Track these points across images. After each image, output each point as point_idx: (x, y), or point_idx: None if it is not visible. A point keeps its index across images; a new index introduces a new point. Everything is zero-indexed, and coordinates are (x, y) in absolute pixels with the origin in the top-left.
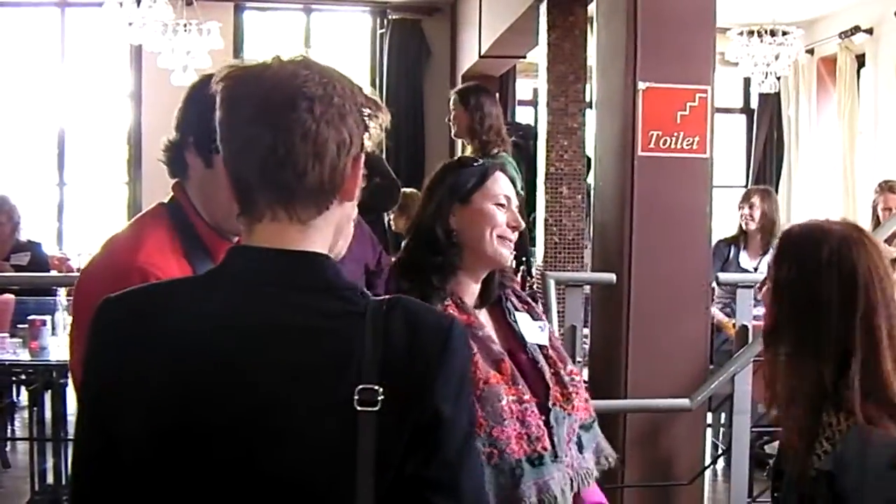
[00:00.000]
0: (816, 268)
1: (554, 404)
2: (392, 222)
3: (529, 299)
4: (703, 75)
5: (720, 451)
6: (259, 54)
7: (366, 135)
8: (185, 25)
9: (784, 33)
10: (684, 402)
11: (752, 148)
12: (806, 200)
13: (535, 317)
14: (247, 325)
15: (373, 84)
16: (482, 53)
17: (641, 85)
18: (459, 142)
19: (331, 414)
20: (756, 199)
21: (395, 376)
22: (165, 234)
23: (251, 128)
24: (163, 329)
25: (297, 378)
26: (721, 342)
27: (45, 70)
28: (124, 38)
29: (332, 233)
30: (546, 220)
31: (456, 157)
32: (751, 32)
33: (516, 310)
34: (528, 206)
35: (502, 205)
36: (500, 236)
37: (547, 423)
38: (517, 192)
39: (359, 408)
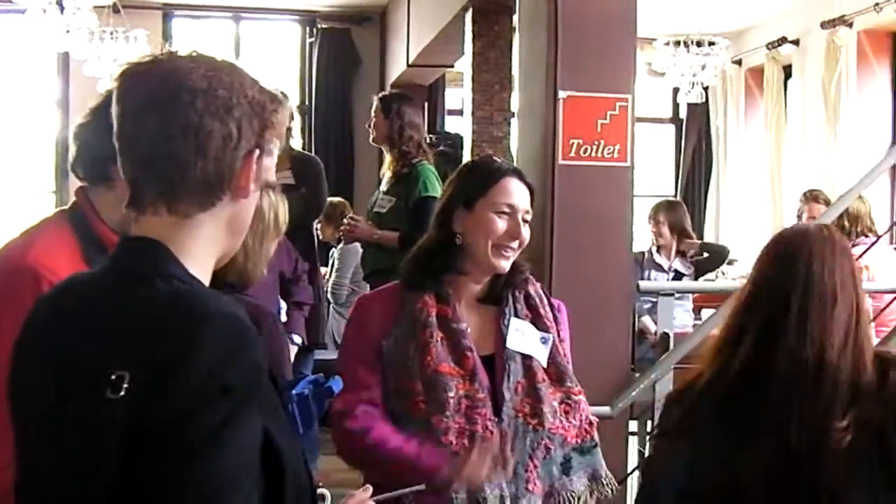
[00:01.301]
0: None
1: (517, 416)
2: (319, 231)
3: (544, 309)
4: (623, 84)
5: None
6: None
7: (268, 132)
8: (111, 33)
9: (710, 44)
10: (605, 409)
11: (680, 158)
12: (734, 210)
13: (539, 327)
14: (73, 311)
15: (302, 93)
16: (410, 62)
17: (562, 94)
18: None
19: (84, 398)
20: (661, 216)
21: (142, 367)
22: (63, 238)
23: (136, 122)
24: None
25: (73, 362)
26: (647, 349)
27: None
28: (51, 45)
29: (221, 229)
30: None
31: (481, 156)
32: (677, 42)
33: (516, 315)
34: None
35: (504, 213)
36: (496, 246)
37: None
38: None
39: (107, 394)
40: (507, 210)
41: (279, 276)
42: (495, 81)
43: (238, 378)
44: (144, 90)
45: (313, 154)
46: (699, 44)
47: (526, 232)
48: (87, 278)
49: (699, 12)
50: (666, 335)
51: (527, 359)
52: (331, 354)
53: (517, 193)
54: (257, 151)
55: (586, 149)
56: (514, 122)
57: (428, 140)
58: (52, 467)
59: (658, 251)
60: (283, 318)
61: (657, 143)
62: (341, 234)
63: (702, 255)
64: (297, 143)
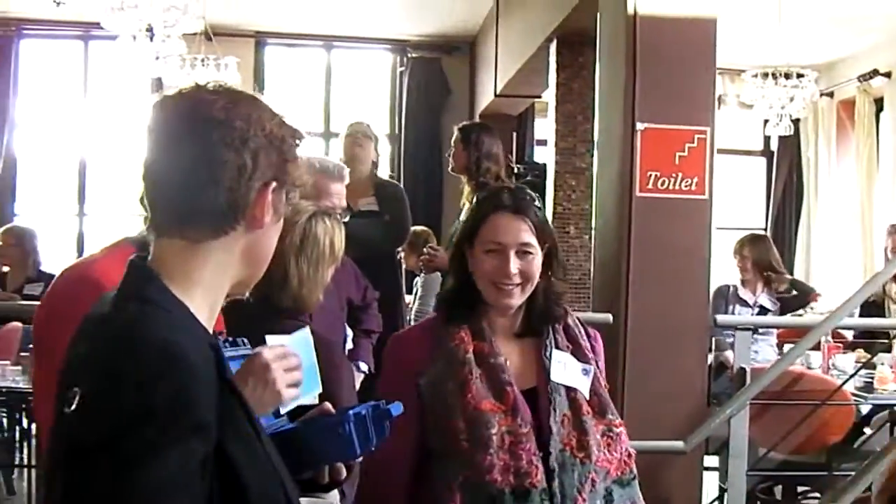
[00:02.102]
0: None
1: (564, 449)
2: (403, 259)
3: (584, 339)
4: (702, 116)
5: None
6: (280, 89)
7: (289, 165)
8: (202, 60)
9: (799, 76)
10: (678, 444)
11: (771, 190)
12: (825, 243)
13: (580, 358)
14: (81, 327)
15: (392, 121)
16: (497, 92)
17: (640, 126)
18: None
19: (59, 409)
20: (745, 250)
21: (86, 384)
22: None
23: (156, 150)
24: None
25: (64, 374)
26: (728, 384)
27: (68, 101)
28: (145, 70)
29: (235, 258)
30: None
31: (489, 190)
32: (765, 74)
33: (557, 347)
34: None
35: (493, 251)
36: (492, 284)
37: (546, 462)
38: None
39: (65, 408)
40: (494, 248)
41: (347, 303)
42: (578, 112)
43: (162, 404)
44: (166, 121)
45: (399, 182)
46: (787, 76)
47: (517, 266)
48: (106, 297)
49: (790, 45)
50: (743, 370)
51: (570, 391)
52: None
53: (505, 229)
54: (274, 184)
55: (664, 181)
56: (595, 153)
57: (515, 170)
58: (42, 476)
59: (743, 285)
60: (350, 345)
61: (748, 175)
62: (421, 263)
63: (790, 291)
64: (384, 170)
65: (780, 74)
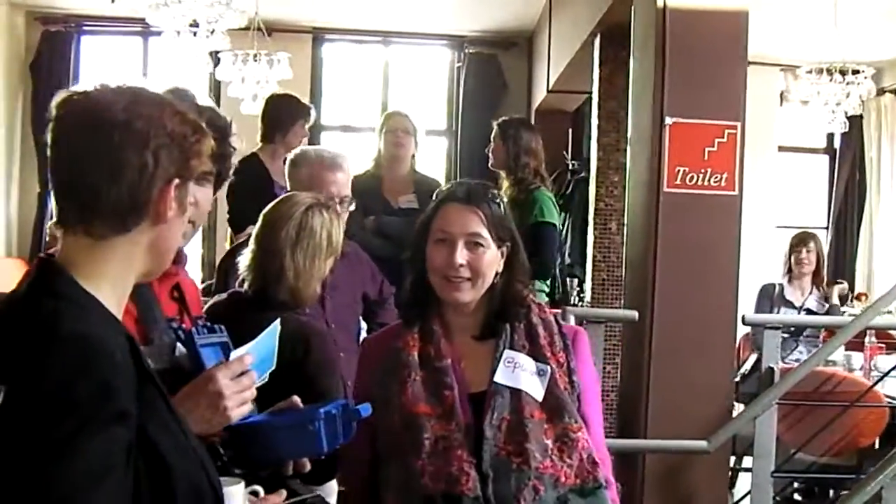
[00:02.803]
0: None
1: (499, 454)
2: None
3: (549, 338)
4: (732, 111)
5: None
6: (337, 85)
7: (193, 161)
8: (254, 56)
9: (854, 72)
10: (702, 444)
11: (833, 189)
12: (887, 242)
13: (537, 358)
14: None
15: (449, 117)
16: (550, 88)
17: (668, 120)
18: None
19: None
20: (812, 244)
21: (10, 380)
22: None
23: (59, 149)
24: None
25: None
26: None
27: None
28: (198, 66)
29: (140, 251)
30: (594, 256)
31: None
32: (820, 71)
33: (511, 347)
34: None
35: (441, 240)
36: (442, 277)
37: (480, 470)
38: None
39: None
40: (442, 237)
41: (363, 297)
42: (621, 108)
43: (83, 395)
44: (70, 120)
45: (456, 178)
46: (843, 72)
47: (465, 257)
48: (10, 295)
49: (848, 41)
50: (770, 370)
51: (517, 393)
52: None
53: (453, 219)
54: (177, 180)
55: (692, 176)
56: (628, 148)
57: (571, 166)
58: None
59: (790, 282)
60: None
61: (810, 173)
62: None
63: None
64: (441, 166)
65: (836, 71)
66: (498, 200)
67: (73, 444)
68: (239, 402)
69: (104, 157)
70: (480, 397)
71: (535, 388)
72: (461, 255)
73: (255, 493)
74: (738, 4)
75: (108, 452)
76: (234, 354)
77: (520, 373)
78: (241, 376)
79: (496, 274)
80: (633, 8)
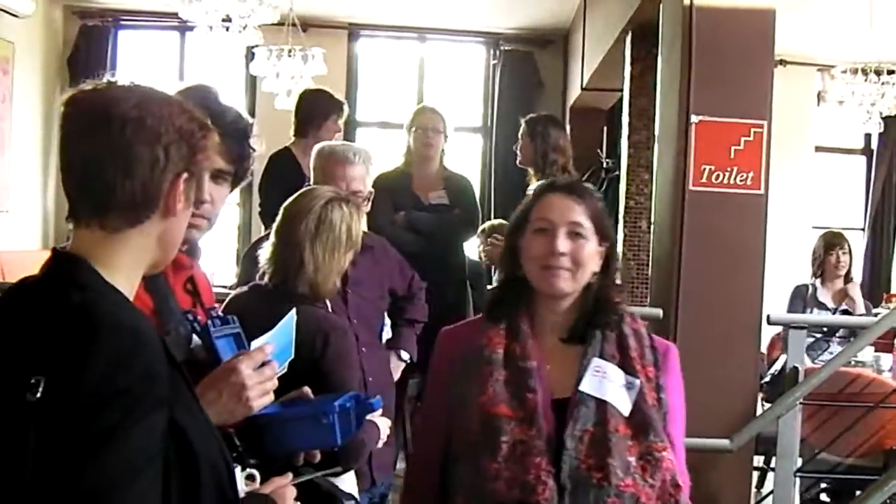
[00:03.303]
0: None
1: (579, 467)
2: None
3: (640, 351)
4: (759, 110)
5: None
6: (373, 81)
7: (199, 156)
8: (289, 51)
9: (890, 72)
10: (724, 442)
11: (870, 189)
12: None
13: (628, 370)
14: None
15: (484, 114)
16: (584, 86)
17: (694, 118)
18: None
19: (5, 400)
20: (846, 245)
21: (51, 372)
22: None
23: (72, 145)
24: None
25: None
26: None
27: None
28: (234, 61)
29: (151, 243)
30: (625, 254)
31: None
32: (855, 71)
33: (601, 356)
34: None
35: (542, 230)
36: (542, 267)
37: (559, 482)
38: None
39: (27, 397)
40: (544, 226)
41: (391, 293)
42: (651, 106)
43: (131, 383)
44: (81, 117)
45: (490, 175)
46: (878, 72)
47: (567, 246)
48: (19, 287)
49: (885, 41)
50: (795, 370)
51: (602, 405)
52: None
53: (556, 207)
54: (185, 175)
55: (718, 175)
56: (656, 146)
57: (605, 164)
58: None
59: (822, 284)
60: (388, 334)
61: (847, 174)
62: (483, 253)
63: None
64: (476, 164)
65: (871, 71)
66: (598, 196)
67: (117, 434)
68: (261, 393)
69: (118, 153)
70: (563, 404)
71: (622, 402)
72: (563, 244)
73: (251, 478)
74: (765, 3)
75: (149, 442)
76: (255, 344)
77: (607, 384)
78: (262, 367)
79: (593, 273)
80: (661, 6)
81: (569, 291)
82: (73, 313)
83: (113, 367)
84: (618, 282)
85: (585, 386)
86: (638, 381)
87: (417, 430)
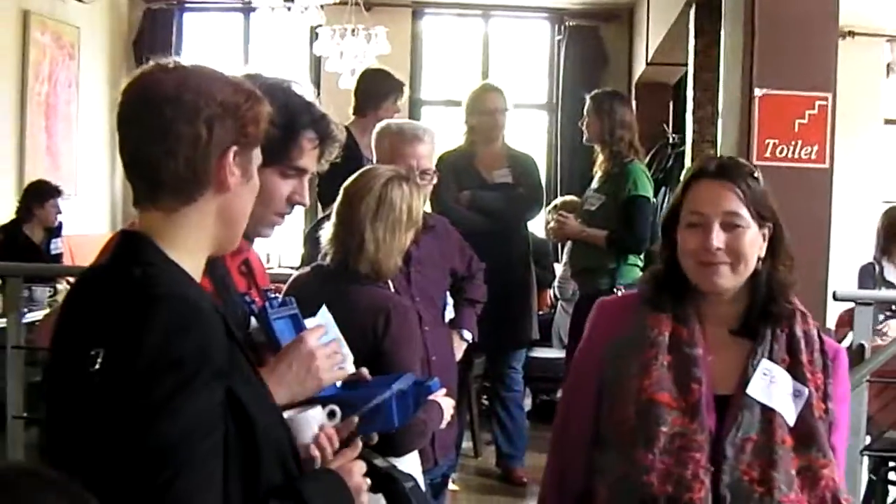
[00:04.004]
0: None
1: (742, 478)
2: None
3: (811, 355)
4: (823, 82)
5: None
6: (437, 59)
7: (249, 128)
8: (352, 31)
9: None
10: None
11: None
12: None
13: (797, 377)
14: (74, 296)
15: (550, 91)
16: (649, 61)
17: (758, 91)
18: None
19: (73, 371)
20: None
21: (109, 343)
22: None
23: (121, 131)
24: None
25: (67, 340)
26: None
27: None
28: (298, 41)
29: (210, 220)
30: None
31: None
32: None
33: (770, 357)
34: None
35: (694, 224)
36: (697, 263)
37: (717, 485)
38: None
39: (88, 368)
40: (696, 220)
41: (452, 273)
42: (715, 80)
43: (186, 353)
44: (126, 102)
45: (556, 152)
46: None
47: (723, 240)
48: (92, 267)
49: None
50: (861, 347)
51: (769, 413)
52: (555, 352)
53: (707, 197)
54: (235, 147)
55: (782, 149)
56: (719, 121)
57: (671, 140)
58: (50, 433)
59: (889, 261)
60: (451, 313)
61: None
62: (549, 230)
63: None
64: (542, 141)
65: None
66: (756, 174)
67: (176, 402)
68: (330, 365)
69: (158, 132)
70: (724, 401)
71: (788, 410)
72: (718, 238)
73: (332, 414)
74: None
75: (207, 411)
76: (310, 323)
77: (775, 389)
78: (327, 346)
79: (758, 260)
80: None
81: (730, 287)
82: (131, 287)
83: (167, 338)
84: (791, 264)
85: (753, 389)
86: (806, 391)
87: (561, 409)
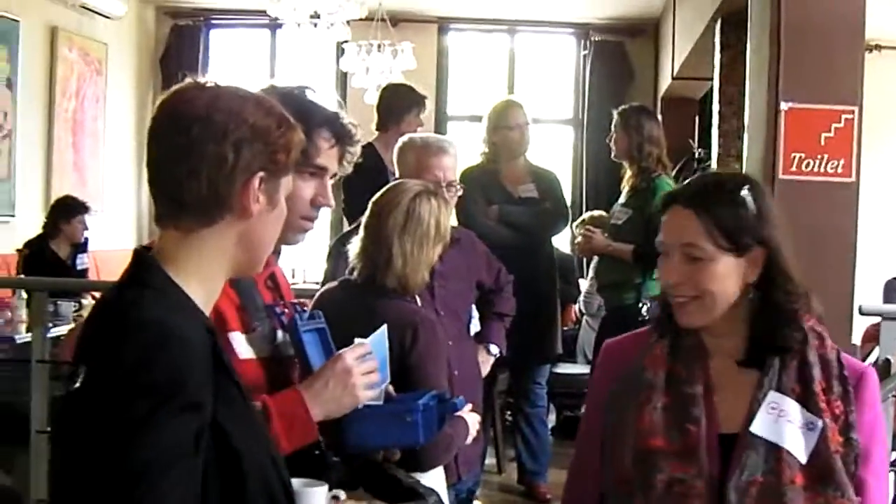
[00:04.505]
0: None
1: None
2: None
3: (826, 383)
4: (850, 95)
5: None
6: (463, 75)
7: (278, 155)
8: (378, 46)
9: None
10: None
11: None
12: None
13: (809, 407)
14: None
15: (575, 105)
16: (675, 75)
17: (784, 105)
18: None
19: (67, 386)
20: None
21: (90, 363)
22: None
23: (150, 148)
24: None
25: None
26: None
27: (257, 90)
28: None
29: (230, 244)
30: None
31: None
32: None
33: (779, 389)
34: None
35: (664, 254)
36: (669, 297)
37: None
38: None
39: (72, 385)
40: (662, 249)
41: (479, 286)
42: (741, 94)
43: (157, 381)
44: (158, 119)
45: (582, 167)
46: None
47: (680, 274)
48: (110, 287)
49: None
50: (887, 361)
51: (776, 450)
52: (579, 368)
53: (670, 226)
54: (261, 174)
55: (809, 163)
56: (745, 135)
57: (697, 154)
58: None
59: None
60: (476, 327)
61: None
62: (575, 245)
63: None
64: (568, 156)
65: None
66: (743, 196)
67: (146, 426)
68: (367, 383)
69: (184, 152)
70: (731, 441)
71: (798, 446)
72: (676, 272)
73: (335, 498)
74: None
75: (179, 438)
76: (358, 341)
77: (784, 424)
78: (366, 359)
79: (749, 287)
80: None
81: (700, 324)
82: (117, 310)
83: (141, 361)
84: (792, 289)
85: (758, 426)
86: (820, 423)
87: (572, 463)
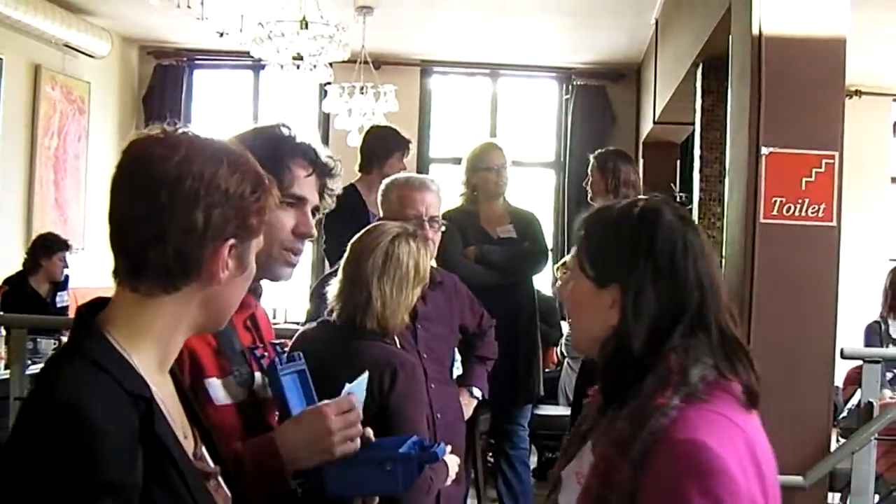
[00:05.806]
0: None
1: None
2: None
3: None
4: (830, 140)
5: None
6: (445, 117)
7: (250, 220)
8: (361, 88)
9: None
10: (798, 479)
11: None
12: None
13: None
14: None
15: (557, 149)
16: (656, 119)
17: (764, 150)
18: None
19: None
20: None
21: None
22: None
23: (112, 201)
24: None
25: None
26: None
27: (240, 130)
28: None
29: (192, 310)
30: None
31: None
32: None
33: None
34: None
35: None
36: None
37: None
38: None
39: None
40: None
41: (462, 329)
42: (723, 139)
43: (68, 465)
44: (125, 170)
45: (564, 210)
46: None
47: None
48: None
49: None
50: (870, 404)
51: None
52: (561, 410)
53: None
54: (232, 240)
55: (789, 207)
56: (726, 179)
57: (679, 198)
58: None
59: (894, 319)
60: (458, 370)
61: None
62: (556, 287)
63: None
64: (549, 198)
65: None
66: (612, 221)
67: None
68: (344, 439)
69: (151, 216)
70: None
71: None
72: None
73: None
74: (835, 32)
75: None
76: (345, 390)
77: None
78: (348, 413)
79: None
80: (730, 37)
81: (582, 348)
82: (39, 388)
83: (48, 448)
84: (640, 335)
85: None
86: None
87: None
